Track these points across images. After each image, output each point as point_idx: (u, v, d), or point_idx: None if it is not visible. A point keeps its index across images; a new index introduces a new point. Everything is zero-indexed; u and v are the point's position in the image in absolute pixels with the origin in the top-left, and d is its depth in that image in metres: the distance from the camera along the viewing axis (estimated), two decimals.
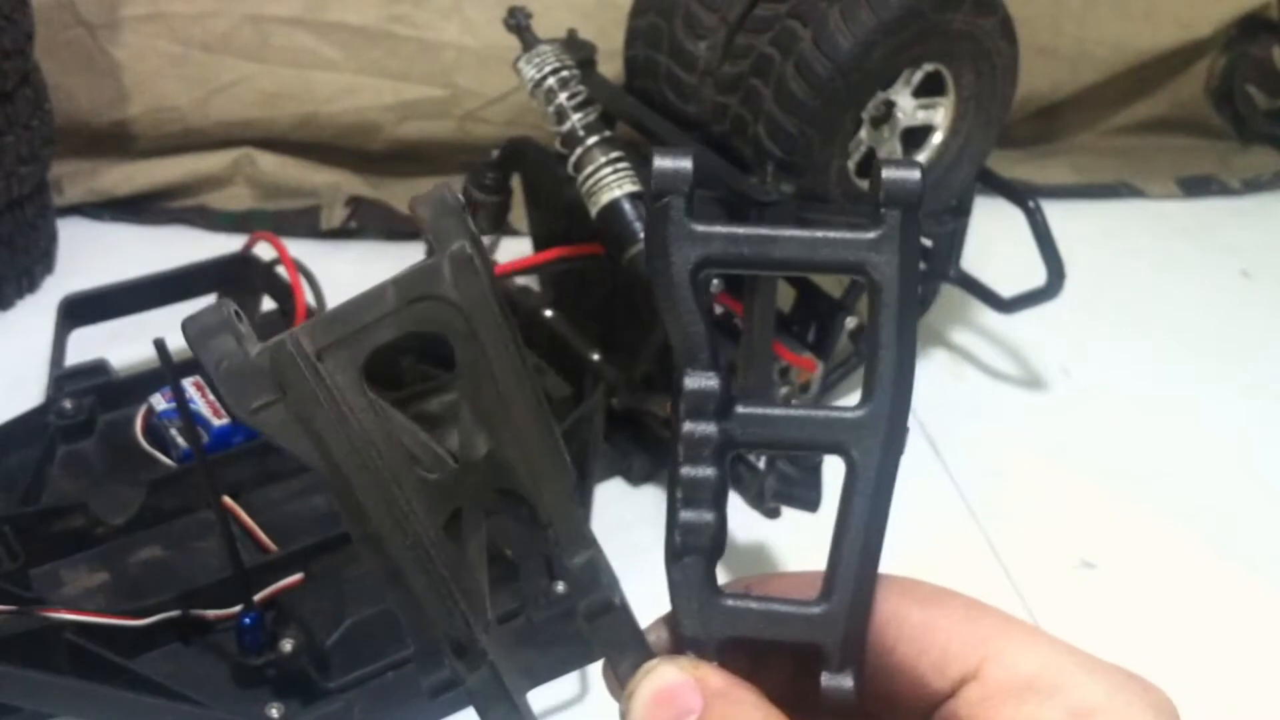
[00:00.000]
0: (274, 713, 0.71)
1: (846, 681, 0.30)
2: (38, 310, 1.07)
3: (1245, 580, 0.94)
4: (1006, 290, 1.10)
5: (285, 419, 0.30)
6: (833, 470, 0.90)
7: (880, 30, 0.87)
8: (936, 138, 0.98)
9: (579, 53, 0.95)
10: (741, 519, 0.87)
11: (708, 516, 0.30)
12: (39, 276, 1.15)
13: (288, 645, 0.71)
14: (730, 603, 0.31)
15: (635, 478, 0.98)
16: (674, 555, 0.30)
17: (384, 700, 0.74)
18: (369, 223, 1.26)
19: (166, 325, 0.82)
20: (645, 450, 0.98)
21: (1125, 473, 1.04)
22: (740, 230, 0.30)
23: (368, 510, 0.30)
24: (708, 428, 0.30)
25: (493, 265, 0.30)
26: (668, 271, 0.30)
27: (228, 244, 1.09)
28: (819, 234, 0.30)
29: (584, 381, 0.97)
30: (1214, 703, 0.83)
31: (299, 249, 0.97)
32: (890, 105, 0.95)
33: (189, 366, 0.89)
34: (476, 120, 1.27)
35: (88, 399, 0.89)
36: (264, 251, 1.00)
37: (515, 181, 1.07)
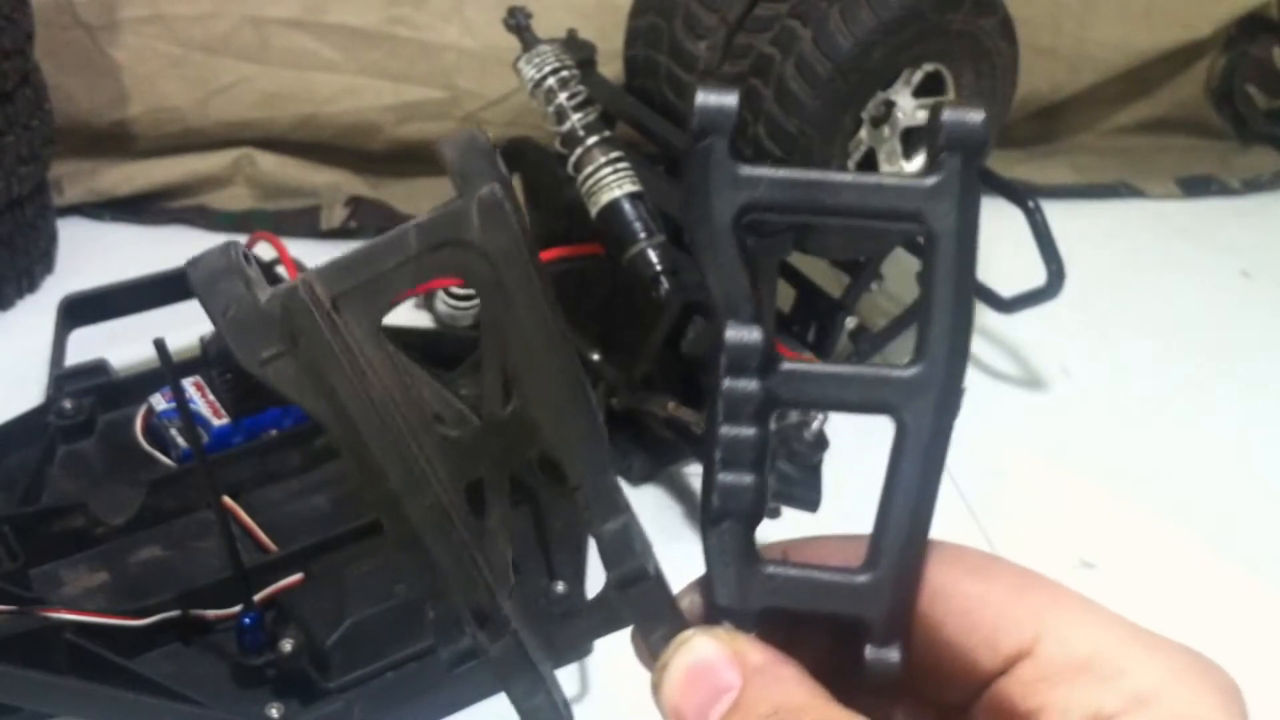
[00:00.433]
0: (274, 713, 0.71)
1: (893, 655, 0.28)
2: (37, 310, 1.07)
3: (1245, 580, 0.94)
4: (1006, 290, 1.10)
5: (297, 371, 0.27)
6: (833, 470, 0.90)
7: (880, 30, 0.87)
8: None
9: (579, 53, 0.95)
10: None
11: (748, 479, 0.28)
12: (39, 276, 1.15)
13: (288, 645, 0.72)
14: (770, 570, 0.29)
15: (635, 478, 0.98)
16: (712, 519, 0.28)
17: (384, 700, 0.74)
18: (369, 223, 1.26)
19: (166, 325, 0.82)
20: (645, 450, 0.98)
21: (1125, 473, 1.04)
22: (788, 174, 0.28)
23: (385, 470, 0.27)
24: (750, 384, 0.28)
25: (523, 211, 0.27)
26: (709, 217, 0.28)
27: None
28: (873, 179, 0.28)
29: None
30: None
31: (299, 249, 0.97)
32: (890, 105, 0.95)
33: (189, 366, 0.89)
34: (477, 121, 1.27)
35: (88, 399, 0.89)
36: (264, 251, 1.00)
37: (515, 181, 1.07)
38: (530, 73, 0.92)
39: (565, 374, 0.28)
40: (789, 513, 0.87)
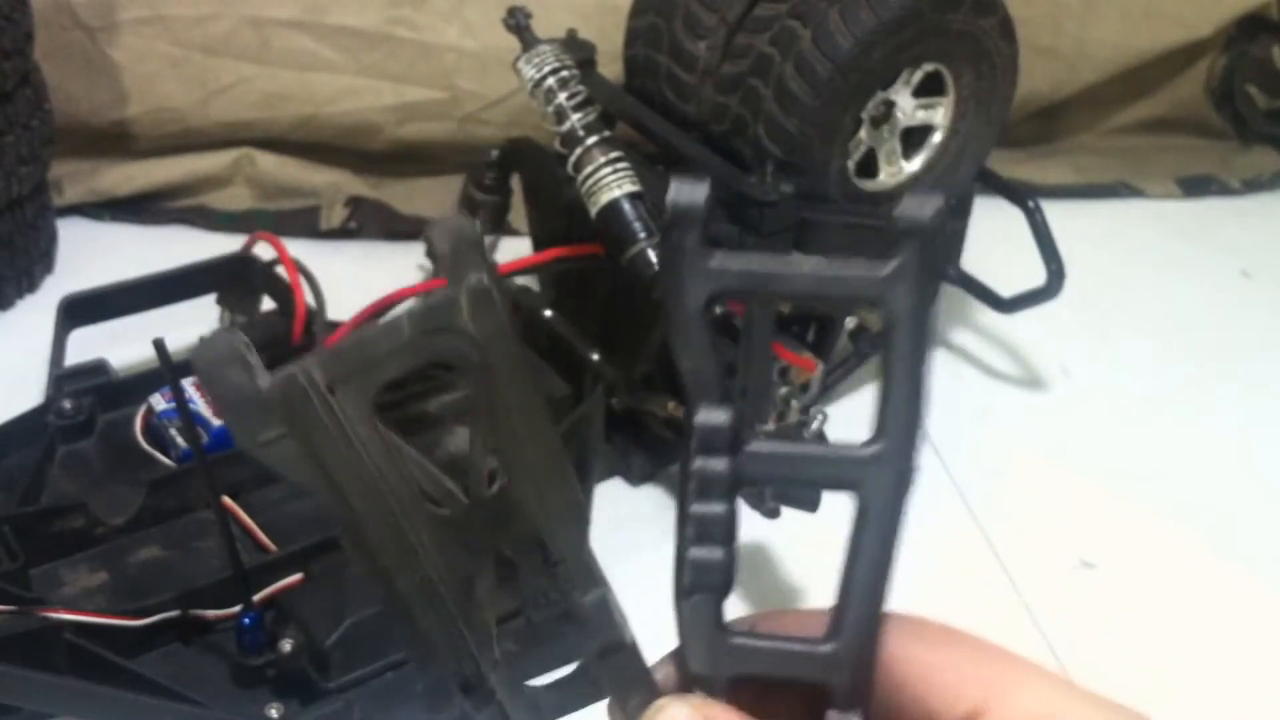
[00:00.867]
0: (273, 713, 0.71)
1: None
2: (37, 310, 1.07)
3: (1245, 580, 0.94)
4: (1006, 290, 1.10)
5: (295, 453, 0.29)
6: None
7: (880, 30, 0.87)
8: (936, 137, 0.98)
9: (578, 53, 0.95)
10: (741, 519, 0.87)
11: (718, 554, 0.30)
12: (39, 276, 1.15)
13: (287, 645, 0.71)
14: (738, 641, 0.30)
15: (635, 478, 0.98)
16: (683, 592, 0.30)
17: (384, 700, 0.74)
18: (369, 223, 1.26)
19: (166, 325, 0.82)
20: (645, 450, 0.98)
21: (1125, 472, 1.04)
22: (754, 263, 0.30)
23: (377, 545, 0.29)
24: (719, 464, 0.30)
25: (508, 300, 0.29)
26: (681, 304, 0.29)
27: (227, 244, 1.09)
28: (834, 267, 0.29)
29: (583, 381, 0.97)
30: (1214, 703, 0.83)
31: (299, 249, 0.97)
32: (890, 105, 0.95)
33: (188, 366, 0.89)
34: (477, 122, 1.27)
35: (87, 399, 0.89)
36: (264, 251, 1.00)
37: (515, 181, 1.07)
38: (530, 73, 0.92)
39: (548, 455, 0.30)
40: (788, 512, 0.87)
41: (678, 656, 0.31)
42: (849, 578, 0.30)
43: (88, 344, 0.96)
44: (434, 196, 1.27)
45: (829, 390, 1.02)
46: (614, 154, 0.88)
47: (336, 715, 0.73)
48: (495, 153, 1.05)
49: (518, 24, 0.95)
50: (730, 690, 0.30)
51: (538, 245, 1.07)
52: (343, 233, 1.25)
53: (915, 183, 0.99)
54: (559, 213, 0.99)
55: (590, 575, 0.31)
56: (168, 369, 0.71)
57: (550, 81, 0.91)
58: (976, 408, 1.11)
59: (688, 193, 0.29)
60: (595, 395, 0.90)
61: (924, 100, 0.96)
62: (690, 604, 0.30)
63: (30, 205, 1.11)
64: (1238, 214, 1.45)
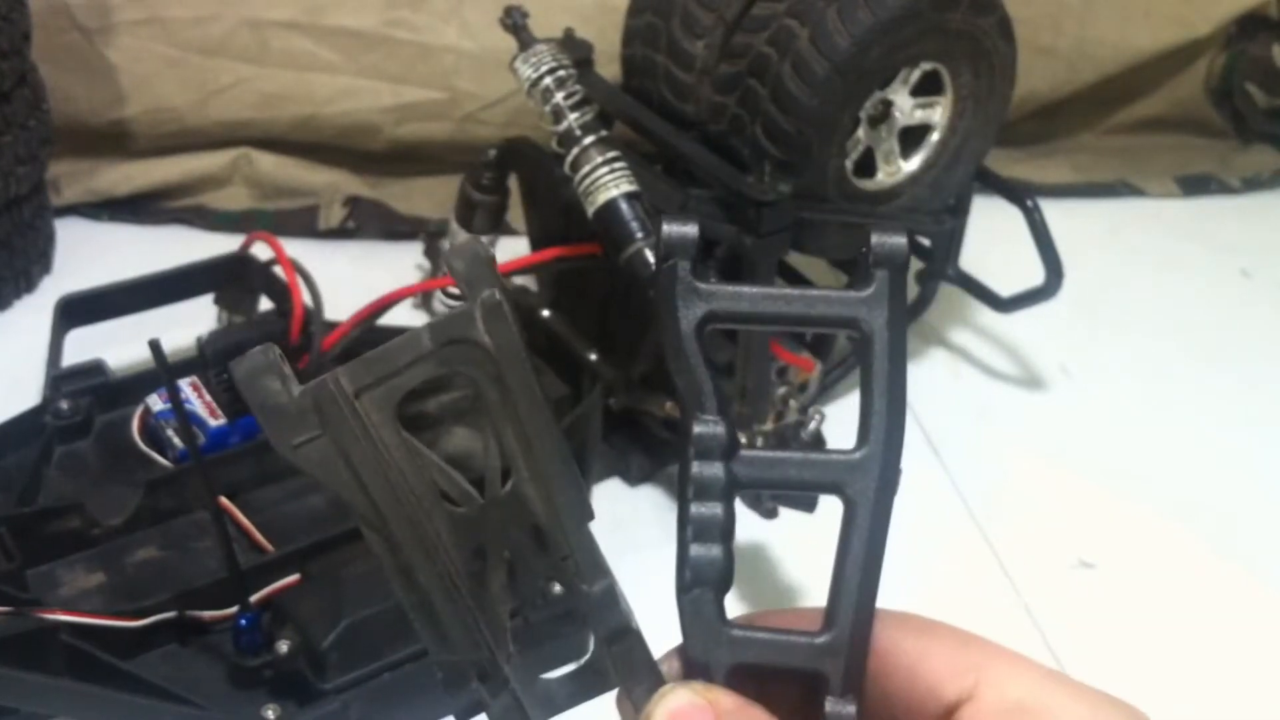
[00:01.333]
0: (270, 714, 0.71)
1: (849, 707, 0.32)
2: (35, 310, 1.07)
3: (1245, 580, 0.94)
4: (1005, 290, 1.10)
5: (325, 454, 0.32)
6: None
7: (878, 29, 0.87)
8: (934, 137, 0.98)
9: (576, 52, 0.95)
10: (740, 519, 0.87)
11: (716, 551, 0.32)
12: (36, 277, 1.15)
13: (284, 646, 0.71)
14: (738, 633, 0.32)
15: (633, 478, 0.98)
16: (684, 588, 0.32)
17: (381, 701, 0.74)
18: (367, 223, 1.26)
19: (164, 325, 0.82)
20: (643, 450, 0.98)
21: (1124, 472, 1.04)
22: (741, 290, 0.33)
23: (400, 542, 0.32)
24: (715, 470, 0.32)
25: (517, 314, 0.32)
26: (676, 328, 0.33)
27: (226, 244, 1.09)
28: (814, 293, 0.33)
29: (582, 381, 0.97)
30: (1214, 702, 0.83)
31: (297, 249, 0.97)
32: (888, 104, 0.95)
33: (186, 367, 0.89)
34: (475, 122, 1.27)
35: (85, 399, 0.89)
36: (261, 251, 1.00)
37: (513, 181, 1.07)
38: (527, 72, 0.92)
39: (556, 456, 0.32)
40: (787, 513, 0.87)
41: (681, 651, 0.33)
42: (840, 574, 0.32)
43: (85, 344, 0.95)
44: (432, 196, 1.26)
45: (827, 390, 1.02)
46: (611, 154, 0.88)
47: (333, 716, 0.72)
48: (493, 152, 1.04)
49: (515, 24, 0.95)
50: (731, 680, 0.32)
51: (535, 245, 1.07)
52: (341, 233, 1.25)
53: (913, 182, 0.99)
54: (557, 212, 0.99)
55: (597, 567, 0.33)
56: (163, 369, 0.70)
57: (547, 81, 0.91)
58: (975, 408, 1.11)
59: (679, 228, 0.33)
60: (593, 395, 0.90)
61: (922, 99, 0.96)
62: (691, 598, 0.32)
63: (28, 205, 1.10)
64: (1237, 213, 1.45)
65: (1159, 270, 1.32)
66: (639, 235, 0.85)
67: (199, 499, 0.81)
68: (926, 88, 0.96)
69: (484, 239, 1.05)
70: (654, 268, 0.85)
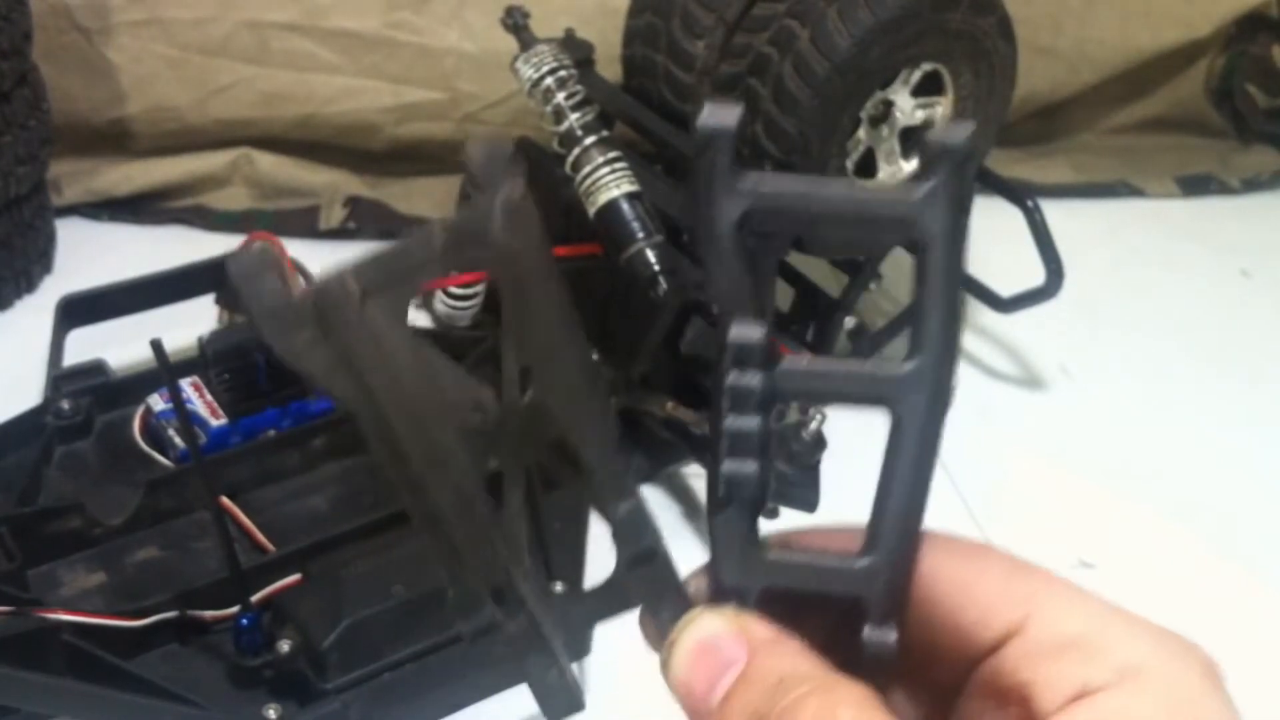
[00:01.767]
0: (271, 714, 0.71)
1: (889, 635, 0.30)
2: (35, 311, 1.07)
3: (1245, 580, 0.94)
4: (1005, 290, 1.10)
5: (328, 359, 0.29)
6: (832, 470, 0.90)
7: (878, 30, 0.87)
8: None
9: (577, 52, 0.95)
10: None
11: (751, 467, 0.30)
12: (37, 277, 1.15)
13: (285, 646, 0.71)
14: (772, 555, 0.30)
15: (633, 478, 0.98)
16: (717, 505, 0.30)
17: (381, 701, 0.74)
18: (368, 223, 1.26)
19: (165, 325, 0.82)
20: (644, 450, 0.97)
21: (1124, 472, 1.04)
22: (787, 181, 0.30)
23: (409, 453, 0.29)
24: (752, 378, 0.30)
25: (538, 212, 0.30)
26: (712, 222, 0.30)
27: (226, 244, 1.09)
28: (867, 188, 0.30)
29: None
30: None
31: (297, 249, 0.97)
32: (888, 105, 0.95)
33: (187, 367, 0.89)
34: (476, 122, 1.27)
35: (85, 399, 0.89)
36: None
37: None
38: (528, 72, 0.92)
39: (579, 364, 0.30)
40: (787, 513, 0.87)
41: (710, 570, 0.31)
42: (884, 492, 0.30)
43: (86, 344, 0.95)
44: (433, 196, 1.27)
45: None
46: (612, 154, 0.88)
47: (334, 716, 0.72)
48: None
49: (516, 24, 0.95)
50: (762, 604, 0.30)
51: None
52: (341, 233, 1.25)
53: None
54: (557, 213, 0.99)
55: (622, 484, 0.31)
56: (165, 369, 0.70)
57: (548, 81, 0.91)
58: (976, 408, 1.11)
59: (720, 115, 0.29)
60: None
61: (923, 100, 0.96)
62: (724, 516, 0.30)
63: (28, 205, 1.10)
64: (1237, 213, 1.45)
65: (1159, 270, 1.32)
66: (640, 235, 0.86)
67: (200, 499, 0.81)
68: (927, 88, 0.96)
69: None
70: (655, 268, 0.85)
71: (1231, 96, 1.53)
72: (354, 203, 1.26)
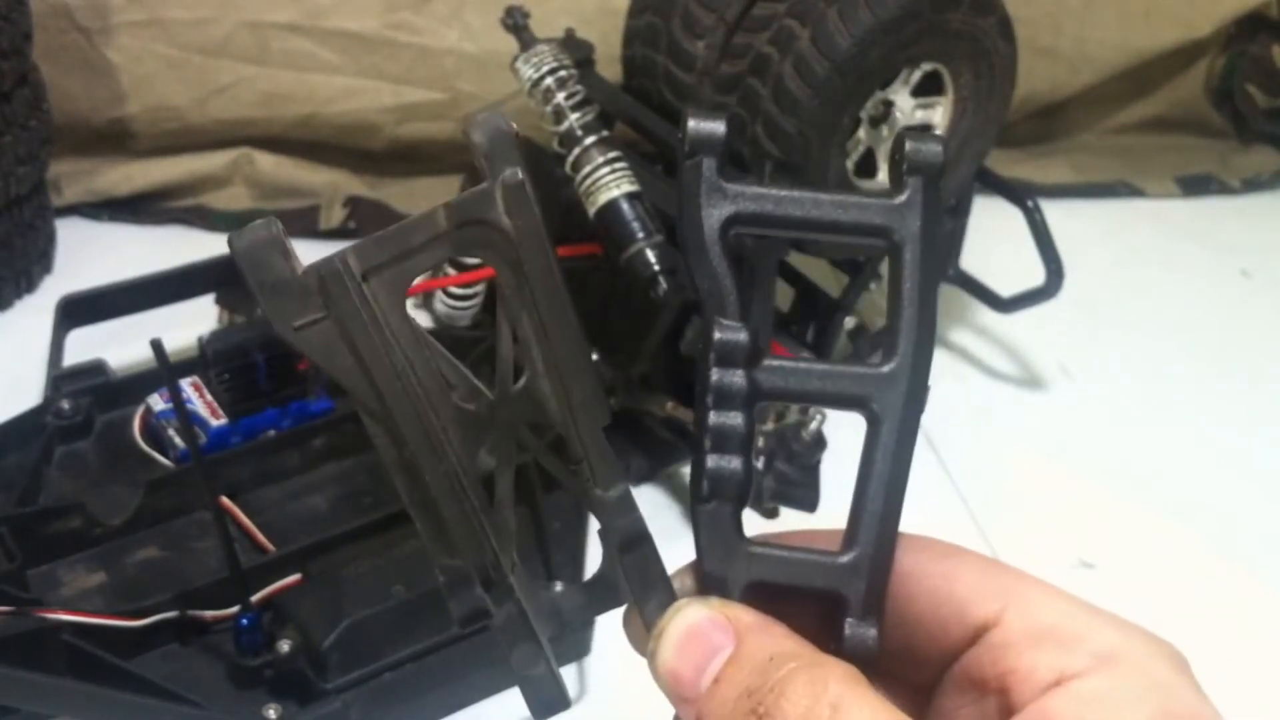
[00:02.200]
0: (271, 713, 0.71)
1: (870, 630, 0.31)
2: (36, 311, 1.07)
3: (1245, 580, 0.94)
4: (1005, 290, 1.10)
5: (328, 338, 0.29)
6: (830, 471, 0.90)
7: (878, 30, 0.87)
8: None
9: (577, 52, 0.95)
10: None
11: (735, 463, 0.31)
12: (37, 277, 1.15)
13: (285, 646, 0.71)
14: (755, 549, 0.31)
15: (633, 478, 0.98)
16: (702, 499, 0.31)
17: (381, 701, 0.74)
18: (368, 223, 1.26)
19: (165, 325, 0.82)
20: (643, 451, 0.98)
21: (1124, 472, 1.04)
22: (769, 190, 0.31)
23: (405, 436, 0.29)
24: (736, 377, 0.31)
25: (539, 195, 0.30)
26: (699, 227, 0.31)
27: (225, 244, 1.09)
28: (845, 197, 0.31)
29: None
30: (1213, 702, 0.83)
31: (298, 249, 0.96)
32: (889, 105, 0.95)
33: (187, 367, 0.89)
34: None
35: (85, 399, 0.89)
36: None
37: None
38: (528, 72, 0.92)
39: (574, 351, 0.30)
40: (787, 513, 0.87)
41: (695, 567, 0.31)
42: (863, 492, 0.31)
43: (86, 344, 0.96)
44: (433, 196, 1.26)
45: None
46: (612, 154, 0.88)
47: (334, 716, 0.72)
48: None
49: (516, 24, 0.95)
50: (746, 598, 0.31)
51: None
52: (342, 233, 1.25)
53: None
54: (557, 213, 0.99)
55: (613, 470, 0.31)
56: (166, 369, 0.70)
57: (548, 81, 0.91)
58: (976, 408, 1.11)
59: (706, 124, 0.31)
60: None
61: (923, 100, 0.96)
62: (708, 510, 0.31)
63: (28, 205, 1.10)
64: (1237, 213, 1.45)
65: (1159, 270, 1.32)
66: (640, 235, 0.86)
67: (200, 499, 0.81)
68: (927, 88, 0.96)
69: None
70: (655, 268, 0.85)
71: (1231, 96, 1.53)
72: (354, 203, 1.26)
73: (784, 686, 0.28)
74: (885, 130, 0.96)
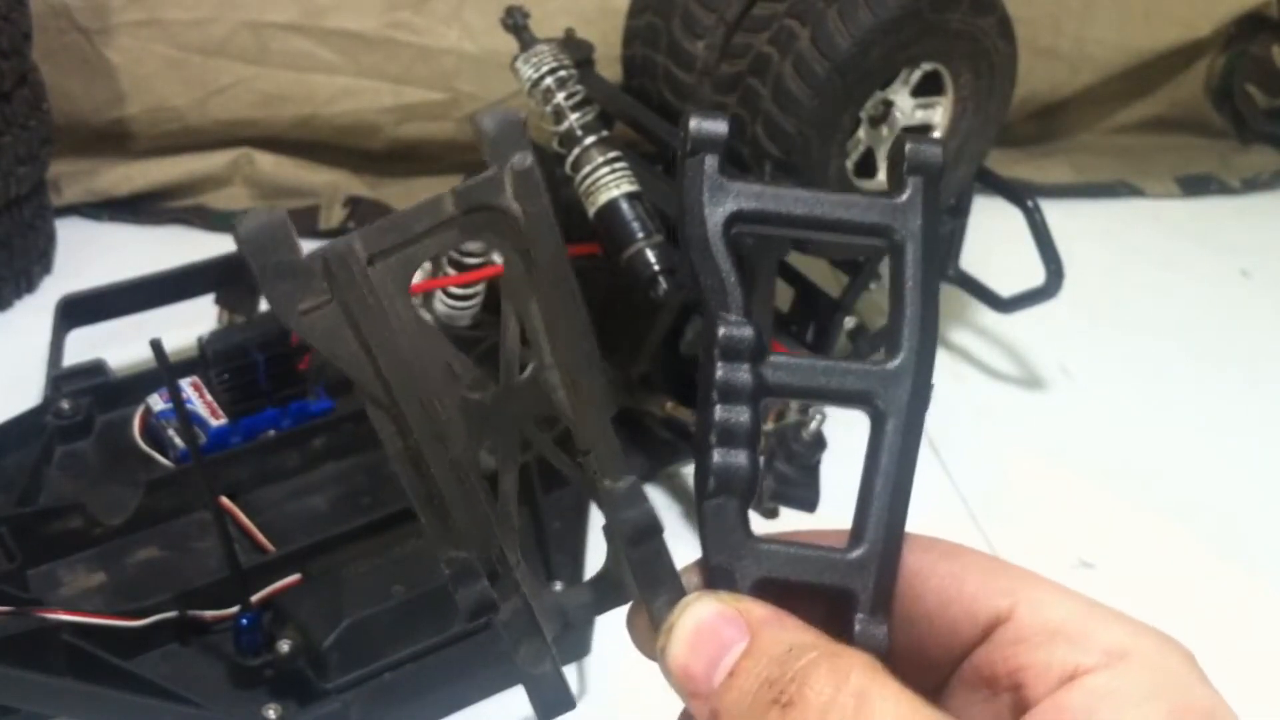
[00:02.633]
0: (271, 713, 0.71)
1: (881, 627, 0.30)
2: (36, 311, 1.07)
3: (1245, 580, 0.94)
4: (1005, 290, 1.10)
5: (332, 324, 0.28)
6: (832, 470, 0.90)
7: (878, 30, 0.87)
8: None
9: (577, 52, 0.95)
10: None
11: (741, 458, 0.30)
12: (37, 277, 1.15)
13: (285, 646, 0.71)
14: (762, 545, 0.31)
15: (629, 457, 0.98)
16: (708, 494, 0.31)
17: (381, 701, 0.74)
18: (368, 223, 1.26)
19: (165, 325, 0.82)
20: (644, 451, 0.97)
21: (1124, 472, 1.04)
22: (771, 188, 0.31)
23: (410, 425, 0.29)
24: (742, 372, 0.31)
25: (549, 182, 0.30)
26: (702, 223, 0.31)
27: (226, 244, 1.09)
28: (847, 196, 0.31)
29: None
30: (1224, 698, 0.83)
31: None
32: (888, 105, 0.95)
33: (187, 367, 0.89)
34: None
35: (85, 399, 0.89)
36: None
37: None
38: (528, 72, 0.92)
39: (582, 340, 0.30)
40: (787, 513, 0.87)
41: (702, 565, 0.31)
42: (868, 489, 0.31)
43: (86, 344, 0.95)
44: None
45: None
46: (612, 154, 0.88)
47: (334, 716, 0.72)
48: None
49: (516, 24, 0.95)
50: (754, 595, 0.30)
51: None
52: (342, 233, 1.25)
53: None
54: (557, 212, 0.99)
55: (620, 462, 0.30)
56: (165, 369, 0.70)
57: (548, 81, 0.91)
58: (976, 408, 1.11)
59: (710, 122, 0.31)
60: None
61: (923, 100, 0.96)
62: (714, 505, 0.30)
63: (28, 205, 1.10)
64: (1237, 213, 1.45)
65: (1159, 270, 1.32)
66: (640, 235, 0.85)
67: (200, 499, 0.81)
68: (927, 88, 0.96)
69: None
70: (655, 268, 0.85)
71: (1231, 96, 1.53)
72: (354, 203, 1.26)
73: (806, 675, 0.27)
74: (885, 130, 0.96)
